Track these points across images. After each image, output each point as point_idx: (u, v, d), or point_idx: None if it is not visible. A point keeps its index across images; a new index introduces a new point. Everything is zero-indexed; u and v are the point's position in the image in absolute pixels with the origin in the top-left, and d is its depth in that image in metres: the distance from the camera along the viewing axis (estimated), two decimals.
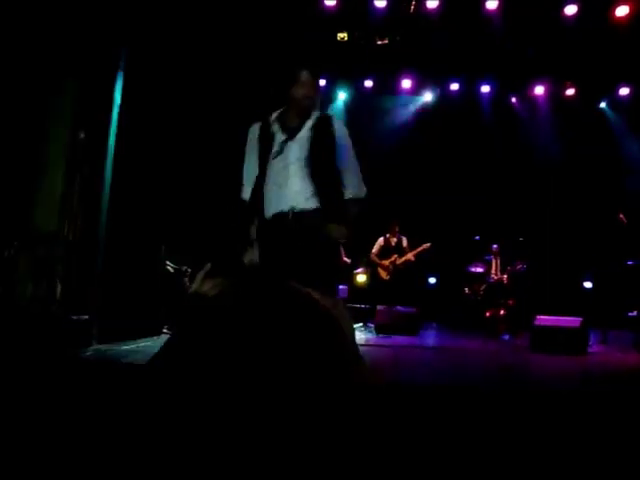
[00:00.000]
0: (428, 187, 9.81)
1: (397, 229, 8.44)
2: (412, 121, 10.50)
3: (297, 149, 2.67)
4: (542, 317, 6.59)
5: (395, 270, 8.26)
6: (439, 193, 9.82)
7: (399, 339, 7.24)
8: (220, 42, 7.82)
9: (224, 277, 2.13)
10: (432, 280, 9.84)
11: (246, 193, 2.82)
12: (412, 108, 10.48)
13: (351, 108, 10.34)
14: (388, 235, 8.50)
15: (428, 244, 8.31)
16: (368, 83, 10.07)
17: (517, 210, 9.48)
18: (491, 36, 9.04)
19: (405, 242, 8.44)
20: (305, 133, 2.70)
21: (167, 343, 1.97)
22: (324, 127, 2.72)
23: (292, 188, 2.63)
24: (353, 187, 2.75)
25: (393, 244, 8.46)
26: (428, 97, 10.37)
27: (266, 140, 2.73)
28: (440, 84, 10.28)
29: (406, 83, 9.98)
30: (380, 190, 9.32)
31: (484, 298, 8.12)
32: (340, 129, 2.76)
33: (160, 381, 1.76)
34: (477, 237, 8.66)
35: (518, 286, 8.45)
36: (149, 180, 6.54)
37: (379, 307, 7.79)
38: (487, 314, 7.80)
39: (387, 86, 10.14)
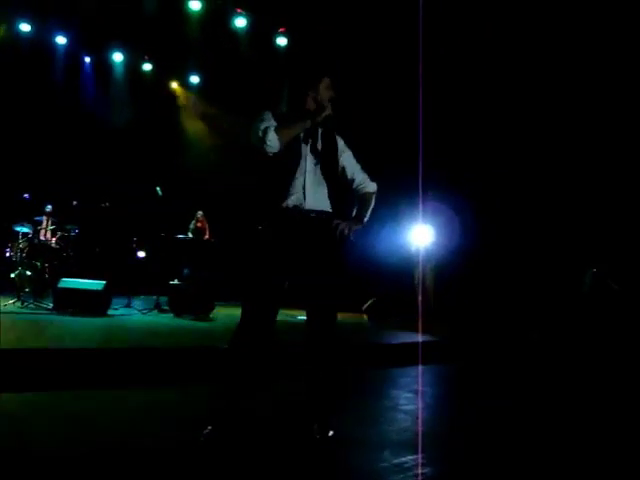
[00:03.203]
0: None
1: None
2: None
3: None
4: (67, 279, 6.52)
5: None
6: None
7: None
8: None
9: None
10: None
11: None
12: None
13: None
14: None
15: None
16: None
17: (75, 172, 9.28)
18: None
19: None
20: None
21: None
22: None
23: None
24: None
25: None
26: None
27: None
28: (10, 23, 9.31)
29: None
30: None
31: (24, 258, 7.58)
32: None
33: None
34: (26, 195, 8.04)
35: (67, 249, 8.20)
36: None
37: None
38: (12, 275, 7.29)
39: None
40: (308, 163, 2.78)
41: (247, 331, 2.67)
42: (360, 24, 8.22)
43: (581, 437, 3.26)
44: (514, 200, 7.79)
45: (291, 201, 2.72)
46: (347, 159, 2.94)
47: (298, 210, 2.72)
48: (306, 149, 2.80)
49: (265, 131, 2.63)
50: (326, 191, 2.82)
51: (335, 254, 2.77)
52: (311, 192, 2.75)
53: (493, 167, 7.65)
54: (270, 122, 2.68)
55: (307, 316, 2.78)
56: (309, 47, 9.32)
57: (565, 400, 4.35)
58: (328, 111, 2.78)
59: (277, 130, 2.64)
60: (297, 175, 2.74)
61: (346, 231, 2.70)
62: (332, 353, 2.74)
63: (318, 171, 2.80)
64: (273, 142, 2.63)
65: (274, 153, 2.67)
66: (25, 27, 9.32)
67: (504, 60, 7.74)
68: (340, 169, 2.92)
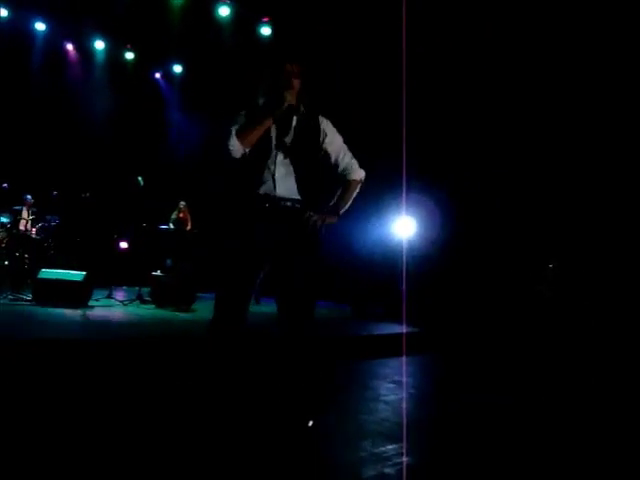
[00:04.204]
0: None
1: None
2: None
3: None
4: (47, 270, 6.44)
5: None
6: None
7: None
8: None
9: None
10: None
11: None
12: None
13: None
14: None
15: None
16: None
17: (55, 161, 9.16)
18: None
19: None
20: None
21: None
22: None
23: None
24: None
25: None
26: None
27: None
28: None
29: None
30: None
31: (3, 249, 7.47)
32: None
33: None
34: (5, 185, 7.94)
35: (47, 239, 8.10)
36: None
37: None
38: None
39: None
40: (278, 153, 2.72)
41: (222, 319, 2.64)
42: (344, 16, 8.17)
43: (563, 430, 3.30)
44: (496, 192, 7.83)
45: (262, 190, 2.69)
46: (332, 144, 2.83)
47: (270, 198, 2.68)
48: (277, 139, 2.74)
49: (226, 137, 2.63)
50: (297, 181, 2.75)
51: (308, 244, 2.71)
52: (282, 181, 2.70)
53: (475, 160, 7.68)
54: (231, 127, 2.66)
55: (278, 305, 2.71)
56: (280, 37, 9.25)
57: (549, 390, 4.40)
58: (289, 102, 2.69)
59: (238, 134, 2.63)
60: (267, 165, 2.71)
61: (318, 224, 2.65)
62: (309, 344, 2.71)
63: (289, 161, 2.74)
64: (235, 147, 2.63)
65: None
66: (2, 12, 9.14)
67: (487, 57, 7.75)
68: (322, 154, 2.82)
